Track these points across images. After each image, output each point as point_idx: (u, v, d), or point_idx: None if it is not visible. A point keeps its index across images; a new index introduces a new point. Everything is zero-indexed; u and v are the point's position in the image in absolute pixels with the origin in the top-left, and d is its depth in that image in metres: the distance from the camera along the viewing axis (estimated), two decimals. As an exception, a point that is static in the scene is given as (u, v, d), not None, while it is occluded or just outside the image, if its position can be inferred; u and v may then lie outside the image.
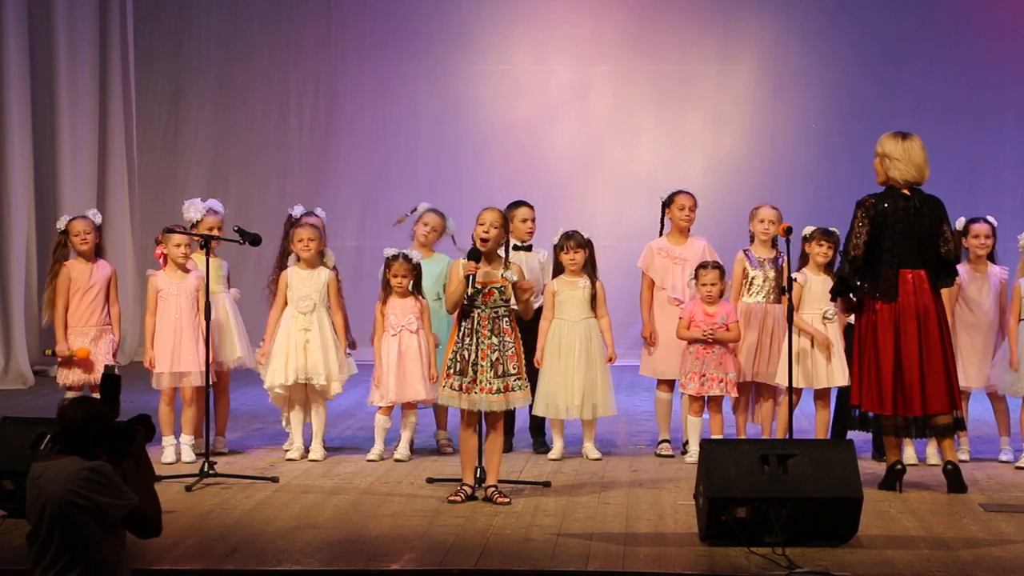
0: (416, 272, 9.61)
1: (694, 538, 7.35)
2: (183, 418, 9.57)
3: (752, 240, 9.90)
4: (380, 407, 9.61)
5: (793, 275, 9.27)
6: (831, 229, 9.58)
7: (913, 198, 8.62)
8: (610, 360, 9.65)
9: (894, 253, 8.59)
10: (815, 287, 9.47)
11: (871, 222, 8.59)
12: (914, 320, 8.55)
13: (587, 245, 9.68)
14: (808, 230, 9.60)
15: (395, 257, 9.60)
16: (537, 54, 15.39)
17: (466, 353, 8.24)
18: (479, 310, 8.26)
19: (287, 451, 9.66)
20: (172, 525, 7.53)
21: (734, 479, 7.21)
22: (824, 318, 9.42)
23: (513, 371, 8.27)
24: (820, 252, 9.53)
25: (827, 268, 9.53)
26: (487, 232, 8.29)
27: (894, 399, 8.56)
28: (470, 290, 8.19)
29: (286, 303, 9.63)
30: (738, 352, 9.65)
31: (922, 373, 8.55)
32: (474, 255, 8.24)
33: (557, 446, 9.73)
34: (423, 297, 9.64)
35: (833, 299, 9.00)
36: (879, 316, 8.59)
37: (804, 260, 9.59)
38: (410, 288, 9.59)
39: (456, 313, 8.34)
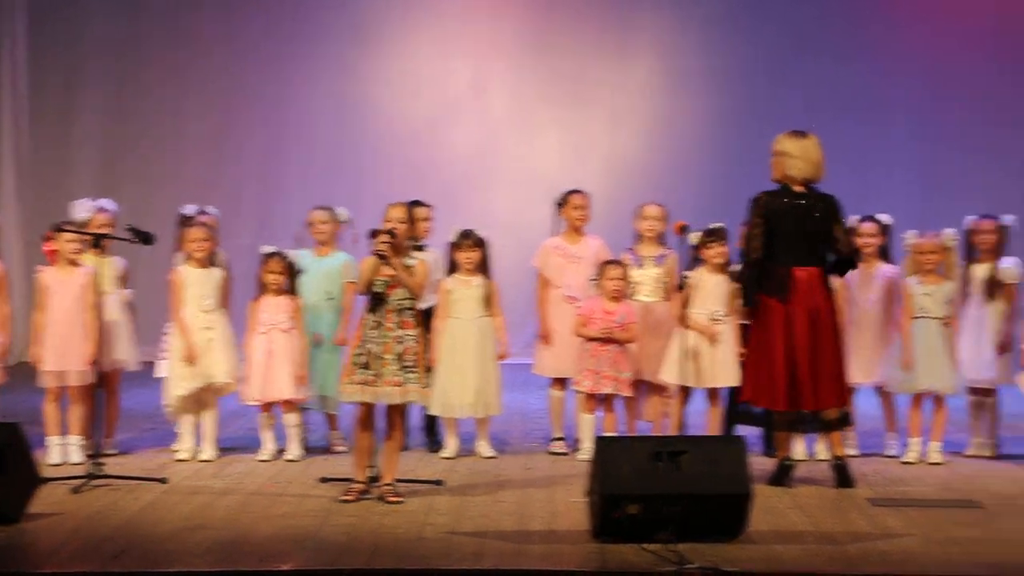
0: (292, 271, 9.58)
1: (587, 535, 7.37)
2: (69, 418, 9.45)
3: (639, 239, 9.95)
4: (262, 406, 9.57)
5: (685, 274, 9.33)
6: (719, 227, 9.63)
7: (807, 196, 8.70)
8: (503, 357, 9.67)
9: (787, 251, 8.66)
10: (709, 287, 9.53)
11: (765, 220, 8.66)
12: (806, 317, 8.63)
13: (482, 244, 9.70)
14: (696, 237, 9.59)
15: (271, 255, 9.58)
16: (436, 52, 15.37)
17: (371, 347, 8.21)
18: (385, 304, 8.24)
19: (177, 452, 9.57)
20: (58, 527, 7.45)
21: (627, 476, 7.24)
22: (712, 319, 9.48)
23: (411, 364, 8.24)
24: (716, 254, 9.59)
25: (722, 268, 9.59)
26: (396, 228, 8.28)
27: (786, 395, 8.64)
28: (377, 288, 8.18)
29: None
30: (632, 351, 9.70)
31: (812, 369, 8.64)
32: (386, 232, 8.23)
33: (451, 445, 9.72)
34: (299, 296, 9.61)
35: (746, 305, 9.01)
36: (772, 313, 8.67)
37: (698, 261, 9.65)
38: (286, 287, 9.56)
39: (363, 308, 8.32)
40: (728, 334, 9.53)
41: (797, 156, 8.71)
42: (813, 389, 8.65)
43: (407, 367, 8.23)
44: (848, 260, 8.83)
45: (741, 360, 9.00)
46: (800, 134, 8.77)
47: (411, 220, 8.39)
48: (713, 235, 9.59)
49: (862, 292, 9.64)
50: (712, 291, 9.50)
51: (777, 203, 8.69)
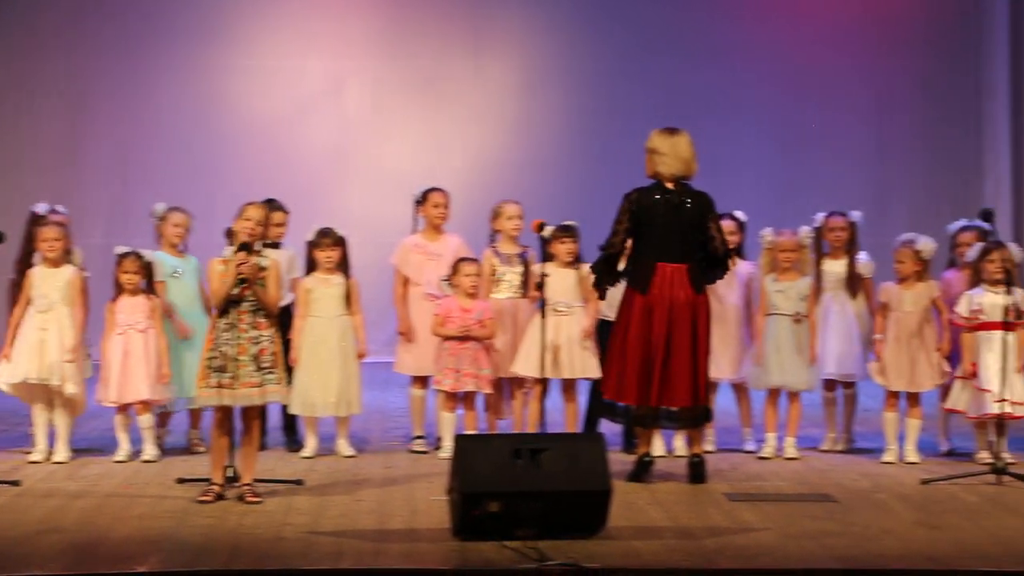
0: (148, 270, 9.47)
1: (447, 533, 7.36)
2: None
3: (497, 238, 9.98)
4: (118, 407, 9.44)
5: (545, 272, 9.36)
6: (570, 224, 9.69)
7: (679, 193, 8.77)
8: (362, 356, 9.64)
9: (654, 246, 8.73)
10: (558, 282, 9.58)
11: (633, 216, 8.72)
12: (665, 313, 8.70)
13: (342, 242, 9.66)
14: (548, 230, 9.64)
15: (126, 255, 9.47)
16: (289, 50, 15.26)
17: (226, 349, 8.13)
18: (238, 305, 8.16)
19: (30, 454, 9.40)
20: (-94, 532, 7.27)
21: (487, 474, 7.25)
22: (554, 311, 9.52)
23: (267, 365, 8.18)
24: (564, 249, 9.64)
25: (571, 263, 9.64)
26: (252, 230, 8.23)
27: (646, 390, 8.71)
28: (235, 290, 8.11)
29: (29, 303, 9.39)
30: (492, 348, 9.72)
31: (666, 365, 8.71)
32: (244, 249, 8.15)
33: (310, 444, 9.67)
34: (155, 296, 9.50)
35: (599, 294, 9.09)
36: (634, 308, 8.73)
37: (549, 256, 9.69)
38: (143, 286, 9.45)
39: (213, 311, 8.24)
40: (577, 327, 9.58)
41: (666, 153, 8.79)
42: (664, 385, 8.72)
43: (264, 368, 8.16)
44: (719, 263, 8.89)
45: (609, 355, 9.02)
46: (671, 131, 8.85)
47: (265, 221, 8.34)
48: (564, 231, 9.65)
49: (723, 289, 9.76)
50: (562, 285, 9.57)
51: (647, 199, 8.75)
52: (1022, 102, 15.00)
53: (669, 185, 8.79)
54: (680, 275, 8.75)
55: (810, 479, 8.98)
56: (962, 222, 10.12)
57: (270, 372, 8.18)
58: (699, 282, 8.80)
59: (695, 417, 8.84)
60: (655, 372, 8.70)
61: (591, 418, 9.79)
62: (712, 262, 8.85)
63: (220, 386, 8.13)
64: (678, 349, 8.72)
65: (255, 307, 8.19)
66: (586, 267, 9.66)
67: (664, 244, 8.74)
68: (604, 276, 8.89)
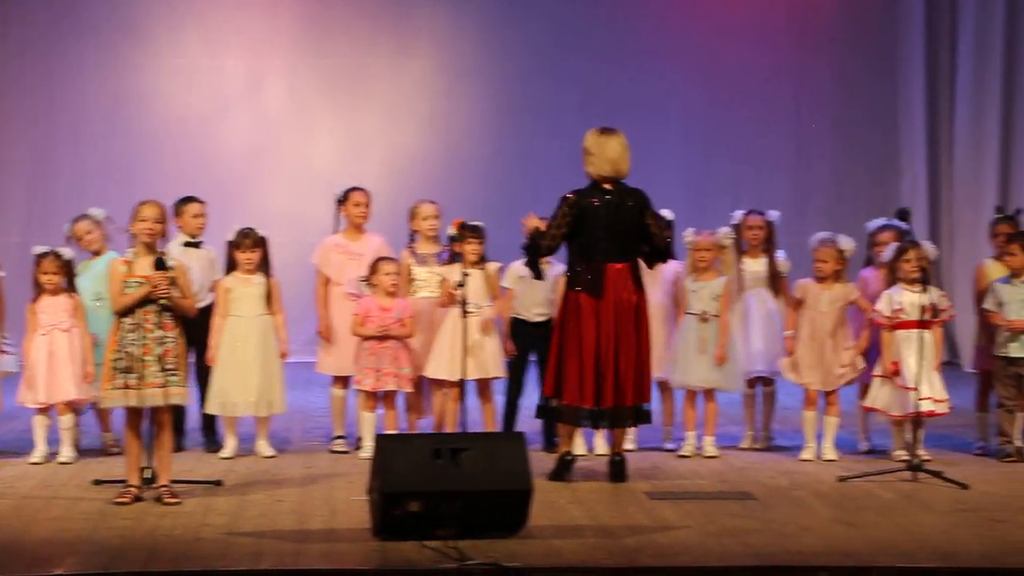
0: (68, 270, 9.38)
1: (367, 533, 7.35)
2: None
3: (415, 238, 9.97)
4: (37, 408, 9.34)
5: (466, 271, 9.35)
6: (477, 224, 9.68)
7: (615, 193, 8.79)
8: (283, 356, 9.60)
9: (600, 248, 8.75)
10: (468, 282, 9.59)
11: (573, 219, 8.73)
12: (613, 314, 8.74)
13: (263, 243, 9.62)
14: (451, 230, 9.63)
15: (45, 254, 9.38)
16: (209, 48, 15.16)
17: (131, 349, 8.06)
18: (143, 306, 8.09)
19: (-56, 456, 9.30)
20: None
21: (407, 474, 7.24)
22: (467, 311, 9.51)
23: (171, 366, 8.11)
24: (470, 250, 9.62)
25: (478, 263, 9.63)
26: (151, 228, 8.15)
27: (593, 391, 8.71)
28: (131, 290, 8.05)
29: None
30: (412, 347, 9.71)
31: (617, 366, 8.74)
32: (160, 267, 8.08)
33: (230, 444, 9.61)
34: (77, 294, 9.41)
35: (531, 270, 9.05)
36: (581, 309, 8.73)
37: (456, 256, 9.67)
38: (64, 285, 9.36)
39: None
40: (492, 328, 9.58)
41: (594, 154, 8.81)
42: (616, 385, 8.74)
43: (168, 369, 8.10)
44: (660, 252, 8.93)
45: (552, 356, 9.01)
46: (603, 131, 8.86)
47: (164, 219, 8.29)
48: (472, 232, 9.62)
49: (650, 287, 9.79)
50: (470, 285, 9.57)
51: (586, 201, 8.76)
52: (938, 102, 15.16)
53: (607, 185, 8.80)
54: (624, 275, 8.79)
55: (730, 477, 9.04)
56: (880, 221, 10.21)
57: (173, 373, 8.13)
58: (640, 281, 8.85)
59: (639, 416, 8.88)
60: (606, 373, 8.72)
61: (508, 419, 9.80)
62: (657, 254, 8.91)
63: (127, 387, 8.06)
64: (626, 349, 8.75)
65: (162, 308, 8.12)
66: (492, 266, 9.69)
67: (609, 245, 8.76)
68: (535, 267, 8.91)
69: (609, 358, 8.74)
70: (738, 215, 10.06)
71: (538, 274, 9.10)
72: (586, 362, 8.74)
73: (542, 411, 8.98)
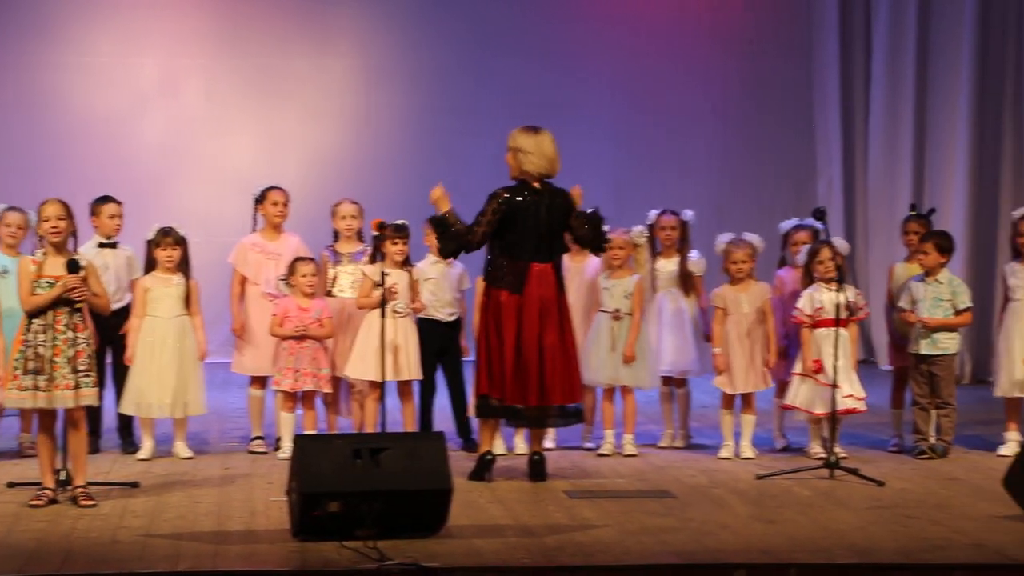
0: None
1: (286, 534, 7.32)
2: None
3: (336, 237, 9.94)
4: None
5: (385, 271, 9.33)
6: (402, 223, 9.67)
7: (544, 192, 8.80)
8: (202, 357, 9.54)
9: (526, 247, 8.76)
10: (394, 283, 9.59)
11: (503, 217, 8.72)
12: (537, 313, 8.74)
13: (183, 242, 9.55)
14: (372, 229, 9.62)
15: None
16: (124, 47, 15.00)
17: (41, 351, 7.96)
18: (54, 306, 8.01)
19: None
20: None
21: (327, 474, 7.21)
22: (395, 311, 9.52)
23: (84, 368, 8.03)
24: (395, 250, 9.61)
25: (404, 264, 9.61)
26: (55, 227, 8.07)
27: (526, 390, 8.72)
28: (41, 291, 7.97)
29: None
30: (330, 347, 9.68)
31: (541, 365, 8.75)
32: (73, 269, 8.00)
33: (147, 446, 9.53)
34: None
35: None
36: (504, 307, 8.73)
37: (381, 255, 9.66)
38: None
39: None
40: (410, 328, 9.56)
41: (532, 152, 8.81)
42: (541, 385, 8.75)
43: (80, 371, 8.02)
44: (596, 246, 8.97)
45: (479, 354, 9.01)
46: (534, 129, 8.87)
47: (68, 216, 8.19)
48: (397, 231, 9.60)
49: (571, 287, 9.81)
50: (396, 286, 9.58)
51: (516, 199, 8.76)
52: (853, 104, 15.29)
53: (536, 184, 8.81)
54: (548, 274, 8.81)
55: (648, 475, 9.07)
56: (794, 221, 10.29)
57: (86, 375, 8.04)
58: (561, 281, 8.88)
59: (567, 415, 8.88)
60: (531, 371, 8.72)
61: (425, 419, 9.80)
62: (585, 244, 8.96)
63: (36, 388, 7.97)
64: (550, 348, 8.76)
65: (74, 309, 8.04)
66: (417, 268, 9.67)
67: (535, 244, 8.77)
68: (452, 252, 8.91)
69: (532, 357, 8.75)
70: (652, 215, 10.10)
71: (449, 252, 9.03)
72: (507, 361, 8.74)
73: (482, 409, 8.93)
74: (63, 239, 8.14)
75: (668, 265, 10.00)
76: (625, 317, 9.68)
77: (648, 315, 9.85)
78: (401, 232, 9.61)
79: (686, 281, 9.98)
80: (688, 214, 10.09)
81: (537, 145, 8.82)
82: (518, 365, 8.74)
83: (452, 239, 8.83)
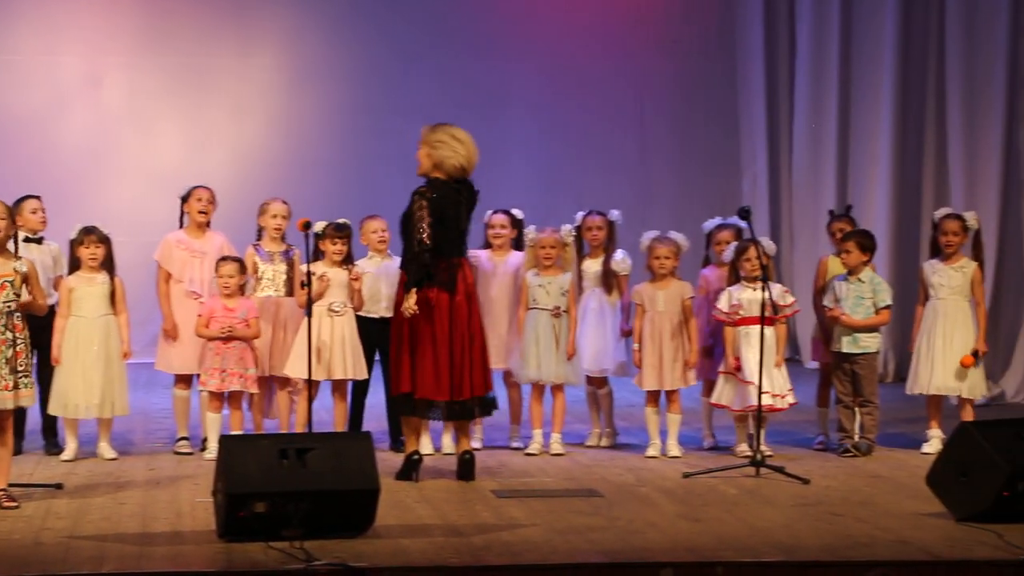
0: None
1: (212, 535, 7.28)
2: None
3: (261, 235, 9.91)
4: None
5: (313, 271, 9.32)
6: (344, 223, 9.68)
7: (461, 188, 8.81)
8: (126, 357, 9.47)
9: (451, 242, 8.77)
10: (332, 280, 9.58)
11: (432, 212, 8.73)
12: (465, 309, 8.80)
13: (107, 241, 9.49)
14: (320, 225, 9.65)
15: None
16: (46, 44, 14.84)
17: (-20, 352, 7.91)
18: None
19: None
20: None
21: (253, 474, 7.18)
22: (331, 311, 9.51)
23: (22, 368, 7.97)
24: (334, 249, 9.61)
25: (343, 263, 9.62)
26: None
27: (449, 385, 8.74)
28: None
29: None
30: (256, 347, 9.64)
31: (471, 358, 8.81)
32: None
33: (71, 447, 9.45)
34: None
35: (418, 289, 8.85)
36: (433, 304, 8.73)
37: (320, 254, 9.67)
38: None
39: None
40: (352, 327, 9.56)
41: (451, 147, 8.80)
42: (471, 377, 8.80)
43: (19, 371, 7.95)
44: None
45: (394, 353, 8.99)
46: (448, 126, 8.86)
47: (11, 217, 8.12)
48: (337, 230, 9.62)
49: (493, 281, 9.83)
50: (332, 284, 9.55)
51: (444, 197, 8.76)
52: (778, 100, 15.37)
53: (455, 181, 8.82)
54: (466, 269, 8.89)
55: (576, 475, 9.10)
56: (717, 220, 10.35)
57: (24, 375, 7.99)
58: (472, 273, 8.94)
59: (486, 405, 8.94)
60: (463, 366, 8.76)
61: (355, 419, 9.78)
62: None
63: (-28, 389, 7.91)
64: (475, 341, 8.82)
65: (9, 309, 7.97)
66: (356, 267, 9.66)
67: (458, 239, 8.82)
68: (423, 275, 8.77)
69: (465, 352, 8.77)
70: (579, 216, 10.12)
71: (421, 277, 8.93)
72: (440, 357, 8.74)
73: (403, 406, 8.93)
74: (3, 239, 8.04)
75: (594, 265, 10.03)
76: (564, 315, 9.71)
77: (574, 314, 9.87)
78: (341, 231, 9.61)
79: (608, 280, 10.01)
80: (615, 214, 10.12)
81: (462, 141, 8.82)
82: (450, 361, 8.75)
83: (417, 270, 8.74)
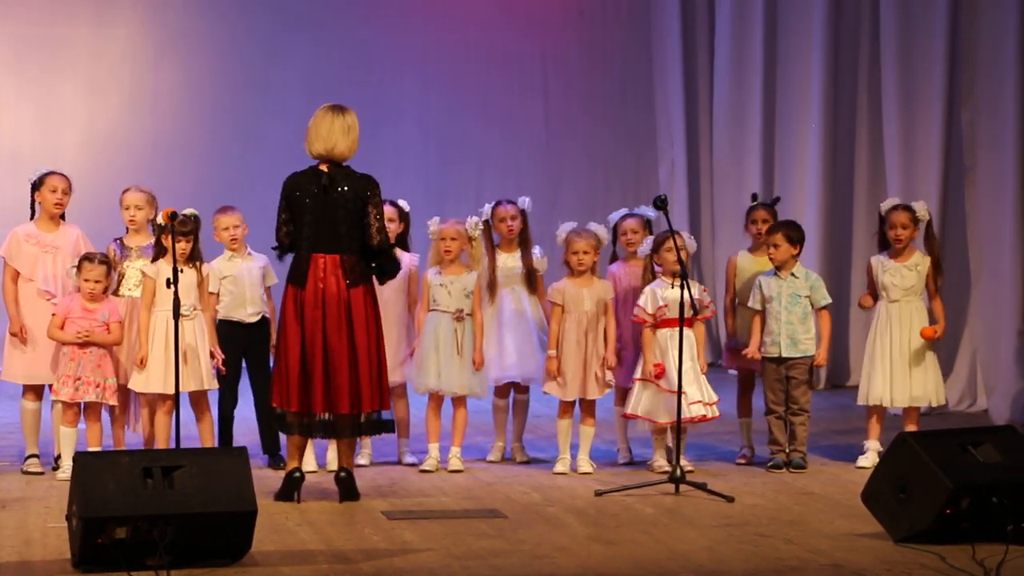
0: None
1: (67, 564, 7.23)
2: None
3: (126, 228, 9.84)
4: None
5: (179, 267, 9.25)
6: (189, 214, 9.57)
7: (332, 176, 8.75)
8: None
9: (308, 235, 8.73)
10: (180, 281, 9.50)
11: (289, 203, 8.71)
12: (319, 310, 8.70)
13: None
14: (189, 211, 9.54)
15: None
16: None
17: None
18: None
19: None
20: None
21: (112, 496, 7.13)
22: (182, 313, 9.44)
23: None
24: (178, 247, 9.50)
25: (190, 260, 9.52)
26: None
27: (308, 396, 8.67)
28: None
29: None
30: (120, 354, 9.55)
31: (326, 369, 8.70)
32: None
33: (-95, 466, 9.33)
34: None
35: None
36: (292, 304, 8.70)
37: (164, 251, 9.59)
38: None
39: None
40: (201, 331, 9.50)
41: (311, 131, 8.78)
42: (327, 392, 8.70)
43: None
44: (380, 255, 8.84)
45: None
46: (333, 108, 8.79)
47: None
48: (182, 224, 9.43)
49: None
50: (181, 285, 9.48)
51: (298, 185, 8.74)
52: (697, 82, 15.46)
53: (323, 167, 8.78)
54: (334, 267, 8.75)
55: (477, 493, 9.11)
56: (623, 211, 10.28)
57: None
58: (355, 274, 8.78)
59: (369, 426, 8.84)
60: (316, 376, 8.68)
61: (225, 434, 9.74)
62: (371, 254, 8.83)
63: None
64: (337, 350, 8.71)
65: None
66: (207, 265, 9.60)
67: (317, 232, 8.74)
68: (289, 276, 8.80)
69: (316, 360, 8.70)
70: (487, 208, 10.08)
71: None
72: (291, 364, 8.71)
73: (275, 420, 8.89)
74: None
75: (509, 261, 10.01)
76: (468, 318, 9.69)
77: (486, 315, 9.85)
78: (184, 225, 9.46)
79: (532, 277, 9.99)
80: (526, 202, 10.10)
81: (315, 125, 8.79)
82: (300, 369, 8.69)
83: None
